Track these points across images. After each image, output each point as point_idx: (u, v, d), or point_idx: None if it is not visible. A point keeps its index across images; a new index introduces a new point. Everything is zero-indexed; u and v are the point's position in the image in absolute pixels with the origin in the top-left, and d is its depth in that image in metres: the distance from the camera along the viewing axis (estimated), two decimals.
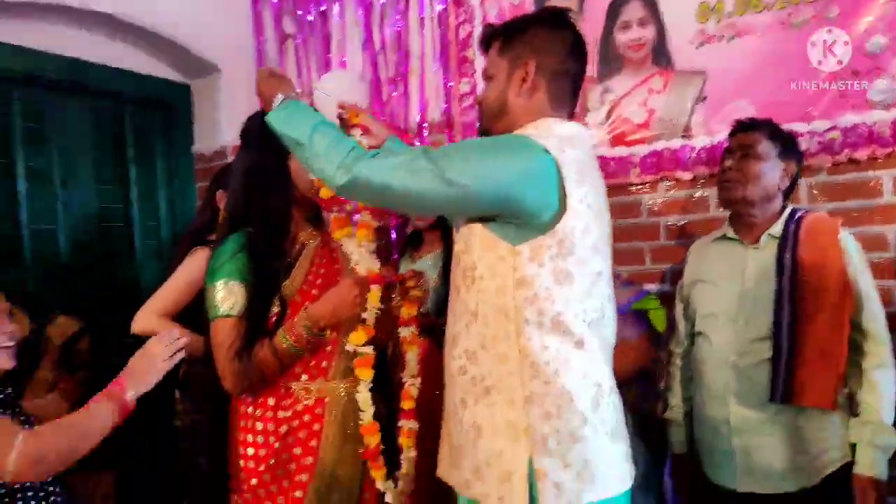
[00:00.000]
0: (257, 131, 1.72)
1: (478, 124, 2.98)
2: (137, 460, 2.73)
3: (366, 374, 1.74)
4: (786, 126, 2.37)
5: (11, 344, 1.66)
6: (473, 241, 1.45)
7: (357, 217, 1.82)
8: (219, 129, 3.30)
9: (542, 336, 1.39)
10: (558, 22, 1.54)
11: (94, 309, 2.84)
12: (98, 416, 1.50)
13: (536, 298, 1.38)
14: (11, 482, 1.32)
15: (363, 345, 1.73)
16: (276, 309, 1.69)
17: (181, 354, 1.65)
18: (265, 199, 1.71)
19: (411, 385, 1.91)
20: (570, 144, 1.42)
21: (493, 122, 1.55)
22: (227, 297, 1.65)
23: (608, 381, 1.46)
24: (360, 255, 1.77)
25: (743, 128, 2.09)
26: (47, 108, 2.80)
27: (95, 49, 2.90)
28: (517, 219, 1.38)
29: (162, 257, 3.22)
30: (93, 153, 2.96)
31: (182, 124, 3.35)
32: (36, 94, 2.75)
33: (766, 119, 2.12)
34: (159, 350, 1.63)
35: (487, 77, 1.57)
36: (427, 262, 2.59)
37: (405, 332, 1.92)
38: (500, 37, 1.55)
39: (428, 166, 1.35)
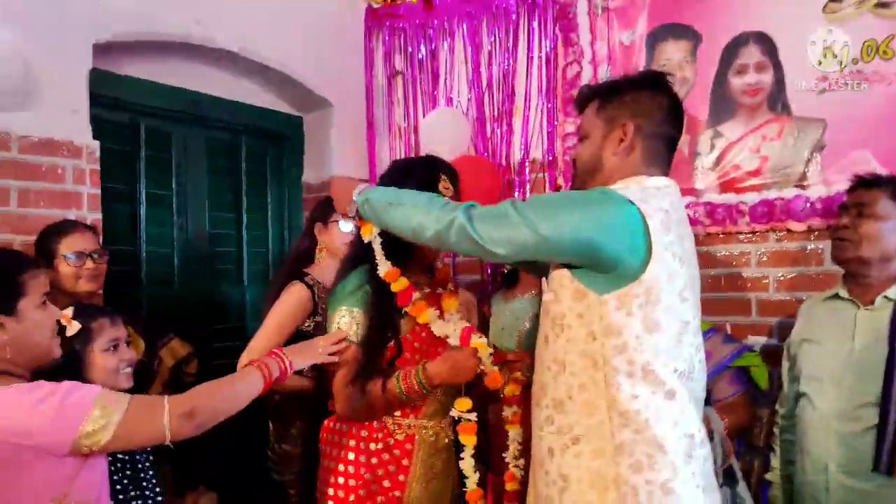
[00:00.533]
0: (391, 176, 1.84)
1: (559, 181, 2.97)
2: (237, 483, 2.84)
3: (470, 441, 1.79)
4: None
5: (130, 370, 1.79)
6: (562, 292, 1.47)
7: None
8: (328, 160, 3.42)
9: (632, 385, 1.38)
10: (657, 86, 1.56)
11: (202, 328, 3.00)
12: (246, 381, 1.61)
13: (626, 347, 1.38)
14: (173, 439, 1.43)
15: (467, 411, 1.77)
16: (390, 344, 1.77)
17: (336, 358, 1.75)
18: (395, 241, 1.75)
19: (515, 467, 1.93)
20: (654, 194, 1.44)
21: (586, 179, 1.58)
22: (351, 323, 1.76)
23: (700, 433, 1.44)
24: (454, 331, 1.80)
25: (863, 184, 2.00)
26: (169, 137, 2.99)
27: (216, 83, 3.08)
28: (603, 268, 1.40)
29: (268, 282, 3.36)
30: (208, 180, 3.13)
31: (294, 155, 3.49)
32: (160, 125, 2.94)
33: (889, 175, 2.03)
34: (324, 343, 1.75)
35: (583, 136, 1.60)
36: (522, 303, 2.58)
37: (508, 412, 1.96)
38: (598, 97, 1.58)
39: (517, 217, 1.41)
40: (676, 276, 1.41)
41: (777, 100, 2.59)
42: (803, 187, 2.52)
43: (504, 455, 1.97)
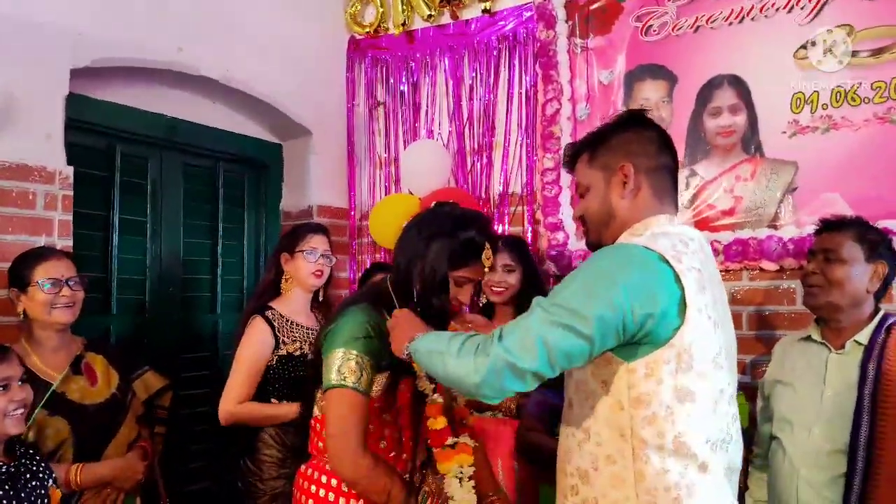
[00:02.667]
0: (436, 230, 1.67)
1: (537, 215, 2.99)
2: None
3: (467, 460, 1.70)
4: (880, 223, 2.30)
5: (20, 412, 1.69)
6: None
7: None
8: (307, 189, 3.42)
9: (662, 459, 1.29)
10: (640, 122, 1.53)
11: (172, 357, 2.95)
12: None
13: (655, 418, 1.29)
14: None
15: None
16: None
17: None
18: (425, 298, 1.65)
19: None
20: (684, 251, 1.34)
21: (601, 230, 1.51)
22: (356, 369, 1.57)
23: None
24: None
25: (828, 228, 2.01)
26: (145, 162, 2.96)
27: (194, 109, 3.07)
28: (633, 334, 1.29)
29: (242, 310, 3.32)
30: (184, 206, 3.10)
31: (272, 182, 3.48)
32: (136, 150, 2.91)
33: (854, 218, 2.04)
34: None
35: (583, 191, 1.55)
36: None
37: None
38: (587, 150, 1.54)
39: (550, 318, 1.27)
40: (711, 341, 1.32)
41: (750, 141, 2.64)
42: (776, 227, 2.57)
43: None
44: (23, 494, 1.67)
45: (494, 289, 2.60)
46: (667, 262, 1.30)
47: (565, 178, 3.00)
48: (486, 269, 1.69)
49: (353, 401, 1.56)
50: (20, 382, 1.72)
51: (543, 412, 2.22)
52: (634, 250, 1.33)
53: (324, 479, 1.67)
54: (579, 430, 1.39)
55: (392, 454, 1.68)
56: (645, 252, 1.32)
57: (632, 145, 1.49)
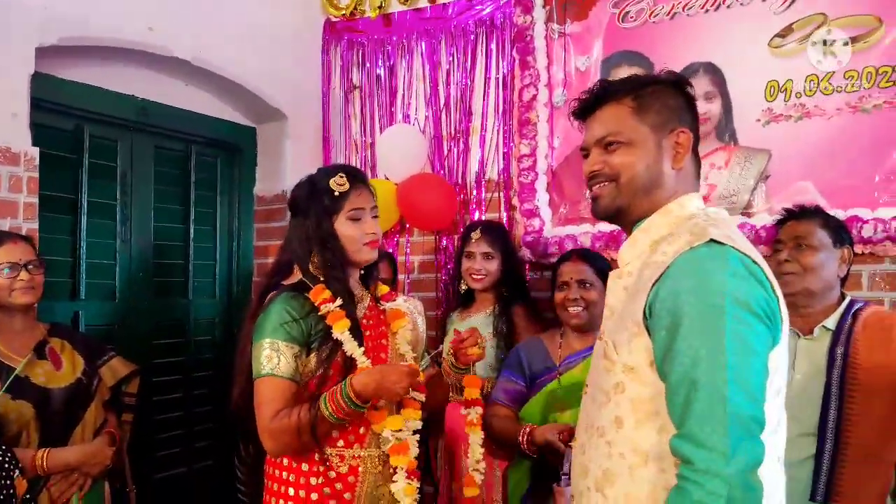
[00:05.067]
0: (305, 198, 1.77)
1: (514, 201, 2.98)
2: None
3: (402, 461, 1.70)
4: (850, 212, 2.34)
5: None
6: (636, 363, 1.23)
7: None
8: (281, 173, 3.38)
9: None
10: (686, 89, 1.36)
11: (143, 344, 2.91)
12: None
13: None
14: None
15: (397, 430, 1.70)
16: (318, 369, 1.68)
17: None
18: (325, 261, 1.73)
19: (475, 471, 1.90)
20: (746, 244, 1.23)
21: (639, 197, 1.30)
22: (272, 355, 1.64)
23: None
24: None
25: (794, 216, 2.04)
26: (115, 145, 2.89)
27: (166, 91, 3.01)
28: None
29: (215, 295, 3.28)
30: (155, 190, 3.04)
31: (246, 166, 3.43)
32: (106, 132, 2.85)
33: (814, 206, 2.09)
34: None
35: (612, 141, 1.31)
36: (477, 320, 2.58)
37: (472, 415, 1.93)
38: (631, 94, 1.31)
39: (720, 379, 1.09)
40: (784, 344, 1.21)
41: (725, 129, 2.65)
42: (749, 215, 2.58)
43: (465, 458, 1.92)
44: None
45: (474, 276, 2.60)
46: (759, 265, 1.19)
47: (542, 164, 2.99)
48: (346, 187, 1.75)
49: (269, 385, 1.63)
50: None
51: (513, 397, 2.22)
52: (736, 256, 1.17)
53: (285, 461, 1.71)
54: (635, 453, 1.24)
55: (348, 428, 1.70)
56: (742, 258, 1.17)
57: (684, 112, 1.32)
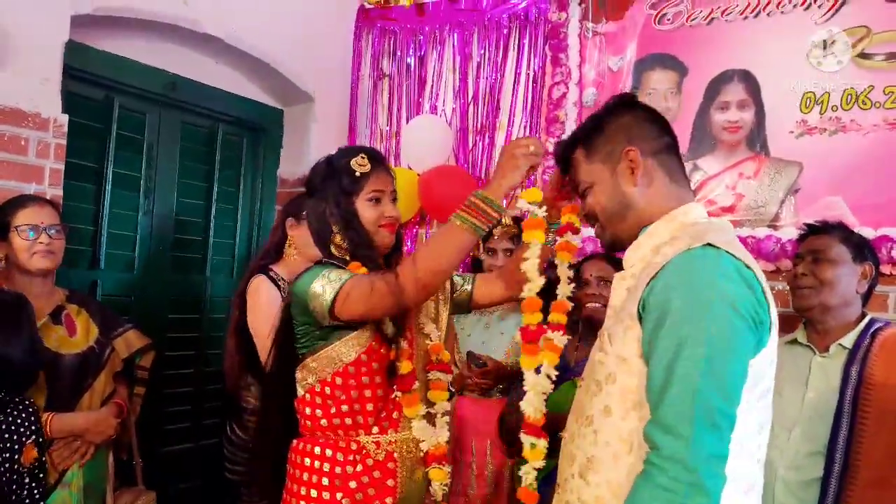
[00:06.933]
0: (324, 178, 1.74)
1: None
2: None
3: (441, 396, 1.75)
4: (881, 231, 2.29)
5: None
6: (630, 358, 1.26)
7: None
8: (306, 156, 3.36)
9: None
10: (631, 105, 1.42)
11: (159, 317, 2.92)
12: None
13: None
14: None
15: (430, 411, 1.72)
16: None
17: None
18: (351, 241, 1.70)
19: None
20: (741, 248, 1.25)
21: (617, 225, 1.37)
22: (335, 272, 1.61)
23: None
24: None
25: (813, 231, 2.02)
26: (143, 118, 2.91)
27: (197, 67, 3.02)
28: None
29: (233, 273, 3.29)
30: (180, 165, 3.05)
31: (271, 148, 3.44)
32: (135, 104, 2.86)
33: (837, 221, 2.06)
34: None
35: (585, 189, 1.42)
36: (495, 317, 2.57)
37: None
38: (581, 145, 1.42)
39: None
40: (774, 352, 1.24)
41: (756, 139, 2.61)
42: (776, 228, 2.54)
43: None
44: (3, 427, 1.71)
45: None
46: (752, 269, 1.20)
47: None
48: (368, 168, 1.71)
49: (352, 280, 1.58)
50: None
51: None
52: (728, 270, 1.18)
53: (317, 450, 1.65)
54: (619, 440, 1.27)
55: (382, 414, 1.67)
56: (734, 262, 1.19)
57: (631, 129, 1.37)
